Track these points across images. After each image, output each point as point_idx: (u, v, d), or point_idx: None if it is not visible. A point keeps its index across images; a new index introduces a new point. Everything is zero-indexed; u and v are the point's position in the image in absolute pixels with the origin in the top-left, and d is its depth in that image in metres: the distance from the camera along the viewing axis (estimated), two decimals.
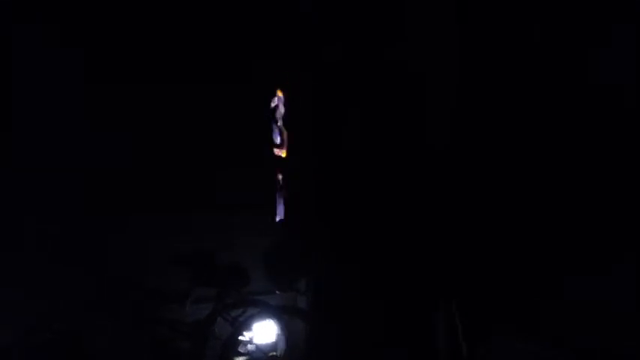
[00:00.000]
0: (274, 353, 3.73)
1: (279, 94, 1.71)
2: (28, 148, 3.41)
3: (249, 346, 3.64)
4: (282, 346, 3.74)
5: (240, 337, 3.61)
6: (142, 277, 3.59)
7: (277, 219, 1.63)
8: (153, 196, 3.71)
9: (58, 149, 3.48)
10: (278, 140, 2.44)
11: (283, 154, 2.54)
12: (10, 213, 3.37)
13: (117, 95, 3.57)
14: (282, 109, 1.97)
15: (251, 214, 3.66)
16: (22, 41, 3.37)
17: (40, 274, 3.40)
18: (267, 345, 3.73)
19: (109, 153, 3.59)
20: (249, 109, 3.67)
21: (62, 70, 3.46)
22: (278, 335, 3.75)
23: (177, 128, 3.76)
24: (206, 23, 3.79)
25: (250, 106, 3.64)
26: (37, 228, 3.44)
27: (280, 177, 2.03)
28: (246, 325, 3.61)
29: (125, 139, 3.62)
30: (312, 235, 1.65)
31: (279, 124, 2.53)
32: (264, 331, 3.73)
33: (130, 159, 3.65)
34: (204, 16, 3.79)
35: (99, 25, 3.55)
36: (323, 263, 1.68)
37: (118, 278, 3.57)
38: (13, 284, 3.32)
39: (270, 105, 1.67)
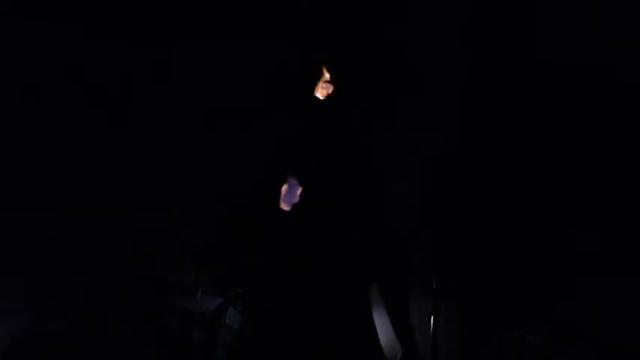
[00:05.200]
0: None
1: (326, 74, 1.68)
2: (28, 148, 3.41)
3: None
4: None
5: None
6: (148, 269, 3.59)
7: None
8: (153, 193, 3.70)
9: (58, 149, 3.47)
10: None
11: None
12: (9, 212, 3.37)
13: (116, 95, 3.57)
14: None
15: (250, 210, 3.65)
16: (21, 41, 3.37)
17: (40, 274, 3.40)
18: None
19: (108, 152, 3.58)
20: (249, 108, 3.67)
21: (62, 70, 3.45)
22: None
23: (178, 128, 3.76)
24: (206, 23, 3.79)
25: (250, 105, 3.64)
26: (37, 227, 3.44)
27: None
28: None
29: (125, 139, 3.62)
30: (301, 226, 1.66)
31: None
32: None
33: (130, 159, 3.64)
34: (204, 16, 3.79)
35: (99, 25, 3.55)
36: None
37: (122, 272, 3.57)
38: (13, 284, 3.32)
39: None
